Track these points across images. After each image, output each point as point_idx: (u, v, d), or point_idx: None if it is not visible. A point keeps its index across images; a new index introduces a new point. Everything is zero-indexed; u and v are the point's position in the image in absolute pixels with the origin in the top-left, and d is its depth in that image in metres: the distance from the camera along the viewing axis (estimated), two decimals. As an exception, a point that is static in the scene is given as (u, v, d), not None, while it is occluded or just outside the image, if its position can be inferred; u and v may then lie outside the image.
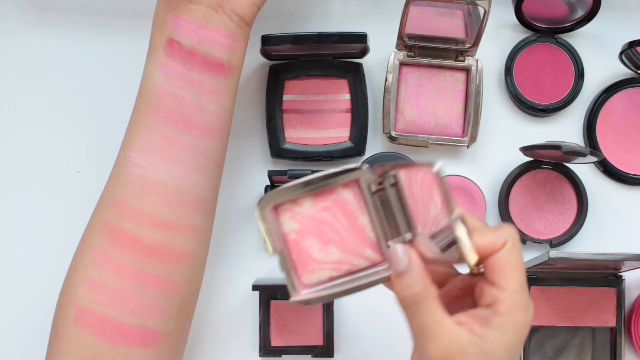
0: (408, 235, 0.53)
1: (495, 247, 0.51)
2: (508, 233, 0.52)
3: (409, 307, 0.52)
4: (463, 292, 0.55)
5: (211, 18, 0.63)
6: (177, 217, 0.63)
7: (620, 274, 0.75)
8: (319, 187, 0.53)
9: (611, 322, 0.75)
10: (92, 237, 0.64)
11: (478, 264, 0.52)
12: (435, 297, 0.52)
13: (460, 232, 0.49)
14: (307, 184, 0.53)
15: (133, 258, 0.62)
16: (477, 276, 0.53)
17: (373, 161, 0.72)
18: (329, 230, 0.54)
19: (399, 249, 0.52)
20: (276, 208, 0.53)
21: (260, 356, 0.75)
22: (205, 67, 0.63)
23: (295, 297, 0.53)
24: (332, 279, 0.54)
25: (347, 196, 0.54)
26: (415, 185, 0.53)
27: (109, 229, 0.63)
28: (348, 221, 0.54)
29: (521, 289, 0.52)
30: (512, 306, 0.51)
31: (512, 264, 0.51)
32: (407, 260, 0.52)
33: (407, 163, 0.55)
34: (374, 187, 0.54)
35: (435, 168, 0.49)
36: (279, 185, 0.75)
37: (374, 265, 0.54)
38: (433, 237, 0.52)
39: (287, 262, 0.54)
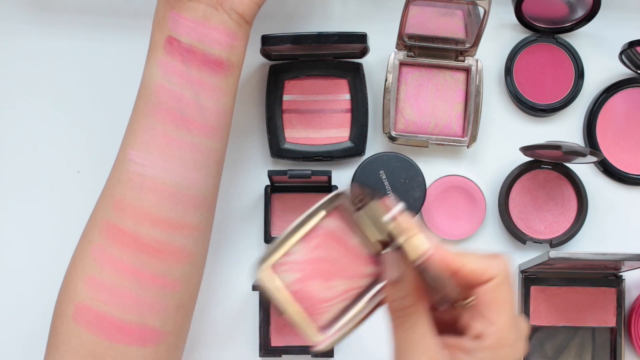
0: (395, 245, 0.51)
1: (483, 277, 0.51)
2: (501, 266, 0.51)
3: (397, 318, 0.51)
4: (449, 322, 0.54)
5: (211, 16, 0.63)
6: (176, 215, 0.63)
7: (620, 274, 0.75)
8: (305, 228, 0.53)
9: (611, 322, 0.75)
10: (91, 235, 0.64)
11: (463, 292, 0.51)
12: (424, 311, 0.51)
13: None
14: (294, 230, 0.53)
15: (132, 256, 0.62)
16: (462, 309, 0.52)
17: (369, 164, 0.72)
18: (327, 265, 0.54)
19: (391, 256, 0.52)
20: (273, 267, 0.54)
21: (260, 356, 0.75)
22: (204, 65, 0.63)
23: (318, 346, 0.53)
24: (345, 309, 0.54)
25: (333, 224, 0.54)
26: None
27: (108, 227, 0.63)
28: (341, 248, 0.54)
29: (510, 325, 0.50)
30: (499, 342, 0.50)
31: (502, 298, 0.50)
32: (399, 270, 0.51)
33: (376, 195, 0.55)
34: (354, 207, 0.53)
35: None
36: (279, 185, 0.75)
37: (378, 279, 0.54)
38: None
39: (297, 314, 0.54)
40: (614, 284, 0.75)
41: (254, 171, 0.77)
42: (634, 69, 0.77)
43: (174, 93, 0.63)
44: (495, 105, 0.78)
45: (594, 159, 0.71)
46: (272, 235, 0.76)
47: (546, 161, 0.76)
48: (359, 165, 0.72)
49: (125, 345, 0.62)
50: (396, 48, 0.75)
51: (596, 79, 0.78)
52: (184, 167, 0.63)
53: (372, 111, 0.77)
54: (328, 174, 0.72)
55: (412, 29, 0.73)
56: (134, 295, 0.62)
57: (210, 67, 0.63)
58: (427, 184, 0.73)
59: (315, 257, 0.54)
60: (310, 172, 0.72)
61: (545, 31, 0.77)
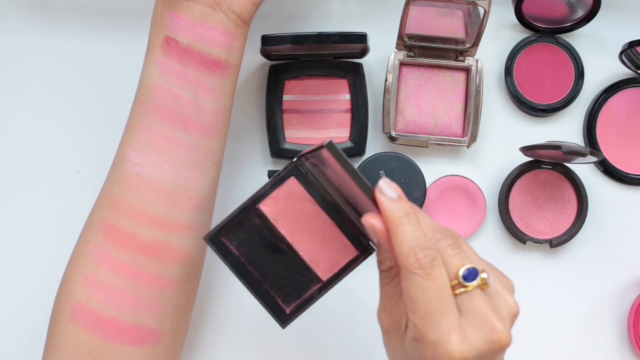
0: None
1: (399, 260, 0.52)
2: (404, 258, 0.51)
3: (380, 275, 0.55)
4: None
5: (208, 16, 0.63)
6: (173, 216, 0.63)
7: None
8: None
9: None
10: (89, 235, 0.64)
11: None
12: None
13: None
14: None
15: (129, 256, 0.62)
16: None
17: (369, 164, 0.72)
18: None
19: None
20: None
21: None
22: (202, 65, 0.63)
23: None
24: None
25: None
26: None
27: (105, 227, 0.63)
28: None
29: (427, 323, 0.51)
30: (418, 335, 0.51)
31: (409, 292, 0.51)
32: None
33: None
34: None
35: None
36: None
37: None
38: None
39: None
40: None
41: (254, 171, 0.77)
42: (634, 69, 0.76)
43: (172, 93, 0.63)
44: (495, 105, 0.78)
45: (594, 159, 0.71)
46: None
47: (546, 161, 0.76)
48: (359, 165, 0.72)
49: (122, 345, 0.62)
50: (396, 48, 0.75)
51: (596, 79, 0.78)
52: (181, 167, 0.63)
53: (372, 111, 0.77)
54: (328, 174, 0.72)
55: (412, 29, 0.73)
56: (131, 295, 0.62)
57: (208, 68, 0.63)
58: (427, 184, 0.73)
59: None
60: (310, 171, 0.72)
61: (545, 31, 0.77)
